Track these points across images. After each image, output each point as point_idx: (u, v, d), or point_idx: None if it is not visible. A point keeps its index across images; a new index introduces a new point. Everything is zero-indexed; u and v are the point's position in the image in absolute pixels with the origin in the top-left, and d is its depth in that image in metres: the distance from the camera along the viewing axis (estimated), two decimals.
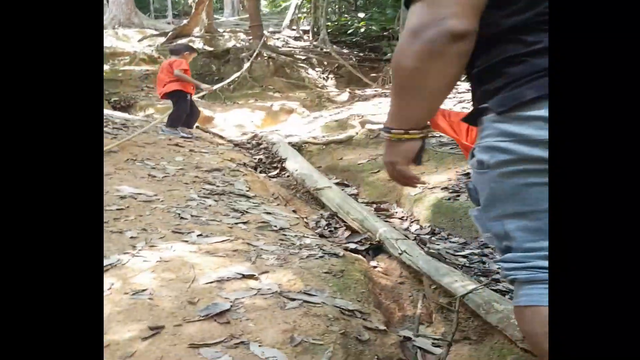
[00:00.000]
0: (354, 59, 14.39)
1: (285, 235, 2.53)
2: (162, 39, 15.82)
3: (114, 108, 10.55)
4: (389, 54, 12.68)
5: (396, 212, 3.55)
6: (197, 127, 7.93)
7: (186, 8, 27.42)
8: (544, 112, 0.86)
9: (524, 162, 0.90)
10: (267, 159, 4.76)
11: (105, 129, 4.50)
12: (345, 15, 14.85)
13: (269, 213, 2.90)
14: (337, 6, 16.52)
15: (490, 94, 0.95)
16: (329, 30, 15.70)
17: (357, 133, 5.96)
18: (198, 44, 15.23)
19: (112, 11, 16.07)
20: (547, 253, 0.90)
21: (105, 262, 2.00)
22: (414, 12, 0.91)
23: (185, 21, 14.81)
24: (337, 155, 5.54)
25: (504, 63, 0.92)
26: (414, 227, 3.13)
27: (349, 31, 14.07)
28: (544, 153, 0.86)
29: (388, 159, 1.08)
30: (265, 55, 12.83)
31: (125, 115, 7.29)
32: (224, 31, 16.96)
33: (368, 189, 4.25)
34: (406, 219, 3.34)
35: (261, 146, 5.33)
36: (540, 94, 0.86)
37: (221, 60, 14.33)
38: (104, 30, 15.41)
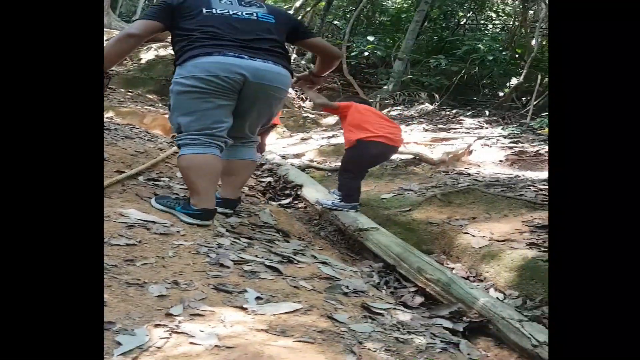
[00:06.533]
0: (338, 83, 13.93)
1: (367, 304, 1.81)
2: None
3: None
4: (383, 80, 12.25)
5: (452, 269, 2.87)
6: None
7: None
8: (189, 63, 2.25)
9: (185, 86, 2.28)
10: (277, 183, 4.00)
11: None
12: (350, 38, 14.36)
13: (324, 263, 2.17)
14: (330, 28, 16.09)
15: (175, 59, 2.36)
16: None
17: None
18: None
19: None
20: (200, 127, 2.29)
21: (127, 341, 1.23)
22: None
23: None
24: None
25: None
26: (493, 294, 2.46)
27: (352, 54, 13.60)
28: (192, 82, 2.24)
29: None
30: None
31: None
32: None
33: (401, 232, 3.56)
34: (474, 281, 2.67)
35: (264, 166, 4.57)
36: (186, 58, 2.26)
37: None
38: None
